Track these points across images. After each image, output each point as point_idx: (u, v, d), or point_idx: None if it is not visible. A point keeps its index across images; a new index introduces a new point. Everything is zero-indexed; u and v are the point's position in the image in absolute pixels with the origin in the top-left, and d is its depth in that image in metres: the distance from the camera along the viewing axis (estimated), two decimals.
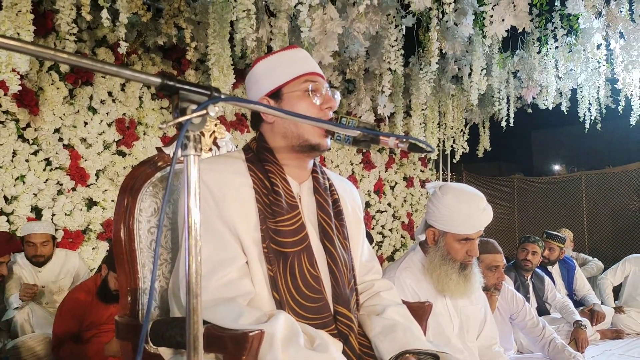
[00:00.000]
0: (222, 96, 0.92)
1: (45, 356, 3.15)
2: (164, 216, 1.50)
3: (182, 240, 1.34)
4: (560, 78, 5.39)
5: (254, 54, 4.11)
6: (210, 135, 1.74)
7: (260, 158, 1.40)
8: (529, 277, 4.21)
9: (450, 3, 3.33)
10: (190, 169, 0.89)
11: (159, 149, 1.63)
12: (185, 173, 0.88)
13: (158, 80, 0.85)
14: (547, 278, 4.33)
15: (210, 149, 1.74)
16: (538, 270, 4.29)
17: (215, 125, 1.75)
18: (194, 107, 0.89)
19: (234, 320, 1.18)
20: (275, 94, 1.40)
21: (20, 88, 3.05)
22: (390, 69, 4.21)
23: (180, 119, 0.85)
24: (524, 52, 5.01)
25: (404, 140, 1.23)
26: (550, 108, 5.53)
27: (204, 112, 0.87)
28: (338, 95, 1.42)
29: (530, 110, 6.41)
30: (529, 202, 8.87)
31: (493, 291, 2.83)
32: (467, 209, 2.13)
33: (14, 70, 2.96)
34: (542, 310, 4.19)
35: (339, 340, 1.29)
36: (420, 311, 1.59)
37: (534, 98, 5.71)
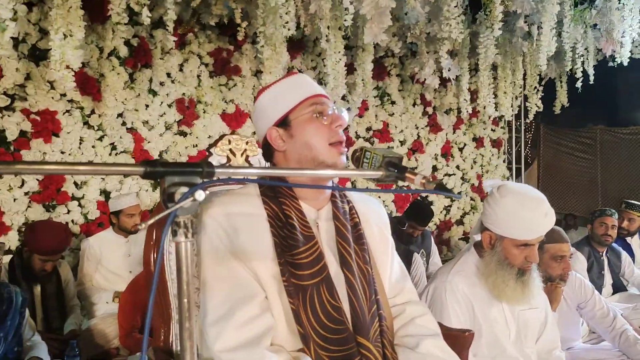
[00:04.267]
0: (215, 171, 0.86)
1: (114, 338, 3.28)
2: (160, 263, 1.47)
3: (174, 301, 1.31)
4: None
5: (307, 28, 3.98)
6: (242, 154, 1.69)
7: (274, 190, 1.37)
8: (604, 252, 3.96)
9: None
10: (182, 255, 0.85)
11: None
12: (177, 258, 0.84)
13: (141, 169, 0.80)
14: (624, 253, 4.06)
15: None
16: (614, 244, 4.02)
17: (247, 143, 1.70)
18: (184, 189, 0.83)
19: None
20: (283, 122, 1.37)
21: (74, 85, 3.13)
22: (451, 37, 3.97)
23: (166, 212, 0.80)
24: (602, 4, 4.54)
25: (431, 181, 1.13)
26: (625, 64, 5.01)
27: (191, 198, 0.82)
28: (346, 113, 1.38)
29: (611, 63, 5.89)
30: (614, 156, 8.26)
31: (558, 282, 2.66)
32: (528, 215, 1.97)
33: (68, 67, 3.03)
34: (619, 287, 3.96)
35: None
36: (460, 340, 1.50)
37: (613, 51, 5.22)
